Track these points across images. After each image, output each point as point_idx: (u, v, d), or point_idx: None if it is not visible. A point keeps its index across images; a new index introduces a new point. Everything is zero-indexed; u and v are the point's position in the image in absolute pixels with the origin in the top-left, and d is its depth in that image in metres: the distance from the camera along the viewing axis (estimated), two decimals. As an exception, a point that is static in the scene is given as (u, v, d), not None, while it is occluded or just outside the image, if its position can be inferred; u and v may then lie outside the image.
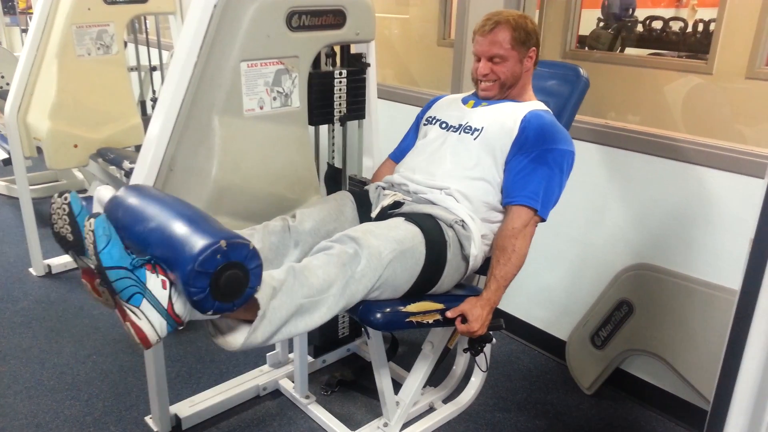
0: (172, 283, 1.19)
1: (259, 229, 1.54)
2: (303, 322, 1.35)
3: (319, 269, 1.37)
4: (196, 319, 1.25)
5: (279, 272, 1.33)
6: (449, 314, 1.57)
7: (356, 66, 1.93)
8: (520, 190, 1.61)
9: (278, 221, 1.58)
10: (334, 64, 1.94)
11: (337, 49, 1.93)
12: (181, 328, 1.23)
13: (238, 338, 1.28)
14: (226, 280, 1.14)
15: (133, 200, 1.29)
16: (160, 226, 1.20)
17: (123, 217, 1.26)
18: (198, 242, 1.12)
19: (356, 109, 1.96)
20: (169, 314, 1.19)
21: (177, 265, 1.14)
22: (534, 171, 1.61)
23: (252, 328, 1.26)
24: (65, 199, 1.25)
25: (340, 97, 1.91)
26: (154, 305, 1.18)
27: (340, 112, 1.92)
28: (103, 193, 1.35)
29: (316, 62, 1.86)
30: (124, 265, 1.17)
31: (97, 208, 1.35)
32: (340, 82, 1.89)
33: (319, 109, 1.85)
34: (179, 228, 1.17)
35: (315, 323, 1.37)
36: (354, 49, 1.94)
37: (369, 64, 1.97)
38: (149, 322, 1.18)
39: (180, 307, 1.20)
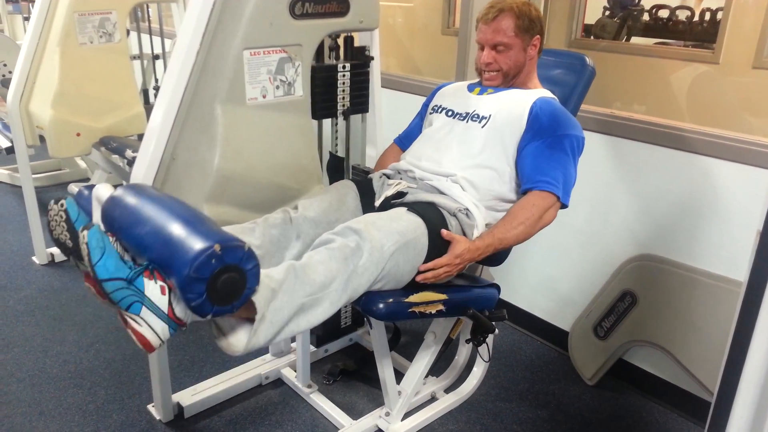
0: (170, 288, 1.18)
1: (260, 223, 1.52)
2: (305, 319, 1.33)
3: (320, 265, 1.35)
4: (199, 320, 1.24)
5: (278, 271, 1.31)
6: (444, 233, 1.52)
7: (360, 59, 1.92)
8: (541, 175, 1.59)
9: (279, 213, 1.56)
10: (337, 57, 1.92)
11: (340, 41, 1.91)
12: (184, 328, 1.22)
13: (240, 340, 1.26)
14: (222, 284, 1.13)
15: (129, 201, 1.27)
16: (154, 230, 1.18)
17: (120, 219, 1.25)
18: (192, 247, 1.10)
19: (359, 102, 1.95)
20: (170, 318, 1.18)
21: (173, 271, 1.13)
22: (551, 156, 1.60)
23: (253, 331, 1.24)
24: (61, 205, 1.24)
25: (343, 90, 1.89)
26: (154, 311, 1.17)
27: (343, 105, 1.91)
28: (102, 191, 1.34)
29: (319, 55, 1.85)
30: (120, 276, 1.15)
31: (95, 206, 1.34)
32: (344, 75, 1.88)
33: (322, 103, 1.84)
34: (174, 232, 1.15)
35: (318, 320, 1.35)
36: (358, 41, 1.92)
37: (373, 57, 1.95)
38: (150, 327, 1.17)
39: (181, 310, 1.19)
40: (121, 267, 1.16)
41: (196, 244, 1.11)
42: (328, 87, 1.86)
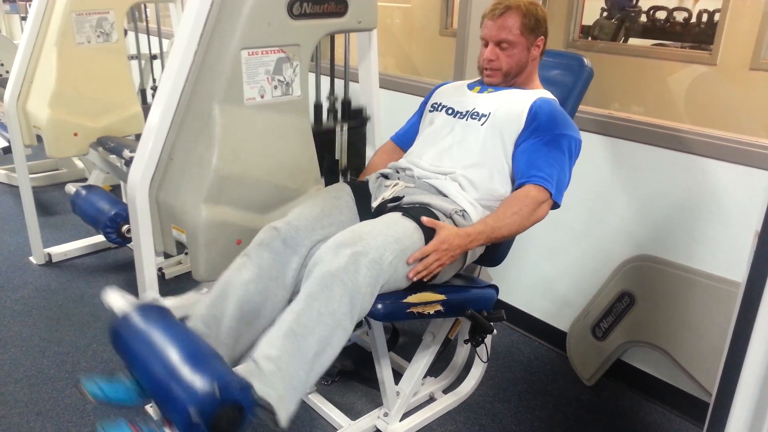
0: None
1: (250, 253, 1.51)
2: (327, 357, 1.35)
3: (316, 302, 1.33)
4: None
5: (276, 344, 1.30)
6: (424, 220, 1.50)
7: (357, 121, 1.98)
8: (535, 170, 1.58)
9: (267, 233, 1.52)
10: (335, 119, 1.97)
11: (338, 105, 1.98)
12: None
13: (281, 418, 1.26)
14: (224, 423, 1.15)
15: (137, 332, 1.31)
16: (152, 378, 1.22)
17: (127, 353, 1.31)
18: (192, 392, 1.14)
19: (358, 158, 2.02)
20: None
21: (175, 423, 1.16)
22: (548, 154, 1.59)
23: (280, 409, 1.25)
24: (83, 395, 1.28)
25: (340, 149, 1.98)
26: None
27: (342, 164, 2.00)
28: (113, 298, 1.38)
29: (318, 118, 1.93)
30: None
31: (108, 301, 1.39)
32: (342, 137, 1.96)
33: (321, 162, 1.88)
34: (170, 385, 1.18)
35: (337, 351, 1.36)
36: (356, 101, 2.00)
37: (369, 118, 2.01)
38: None
39: None
40: None
41: (194, 392, 1.14)
42: (327, 147, 1.93)
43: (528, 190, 1.57)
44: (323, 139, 1.87)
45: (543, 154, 1.60)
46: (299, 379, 1.30)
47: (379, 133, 2.07)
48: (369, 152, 2.09)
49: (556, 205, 1.61)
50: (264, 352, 1.30)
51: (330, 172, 2.02)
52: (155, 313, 1.37)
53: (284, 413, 1.26)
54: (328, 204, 1.62)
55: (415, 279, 1.48)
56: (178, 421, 1.14)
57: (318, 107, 1.98)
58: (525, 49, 1.68)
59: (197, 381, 1.15)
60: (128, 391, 1.31)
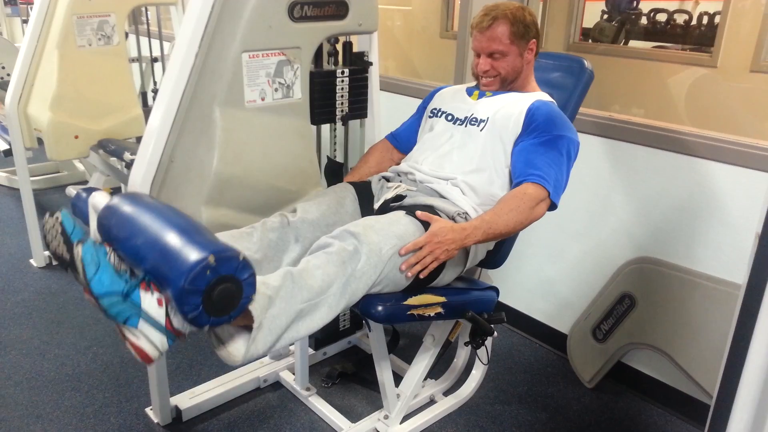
0: (167, 300, 1.18)
1: (258, 227, 1.51)
2: (304, 325, 1.33)
3: (317, 270, 1.34)
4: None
5: (275, 278, 1.30)
6: (418, 213, 1.50)
7: (358, 64, 1.92)
8: (533, 169, 1.57)
9: (277, 217, 1.55)
10: (336, 63, 1.92)
11: (339, 47, 1.91)
12: (184, 339, 1.22)
13: (239, 349, 1.25)
14: (218, 295, 1.12)
15: (125, 211, 1.27)
16: (149, 241, 1.17)
17: (115, 229, 1.25)
18: (186, 259, 1.10)
19: (358, 108, 1.94)
20: (168, 330, 1.18)
21: (168, 283, 1.12)
22: (545, 154, 1.59)
23: (251, 339, 1.23)
24: (56, 218, 1.23)
25: (342, 96, 1.89)
26: (152, 324, 1.16)
27: (342, 111, 1.90)
28: (98, 199, 1.33)
29: (318, 60, 1.85)
30: (116, 290, 1.15)
31: (92, 214, 1.33)
32: (343, 81, 1.87)
33: (321, 108, 1.84)
34: (168, 243, 1.14)
35: (317, 325, 1.35)
36: (356, 46, 1.92)
37: (371, 63, 1.95)
38: (148, 340, 1.17)
39: (178, 321, 1.18)
40: (117, 281, 1.16)
41: (191, 255, 1.10)
42: (326, 93, 1.85)
43: (525, 188, 1.56)
44: (324, 81, 1.84)
45: (540, 153, 1.59)
46: (279, 324, 1.27)
47: (380, 136, 2.07)
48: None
49: (553, 206, 1.60)
50: (262, 279, 1.27)
51: (333, 174, 2.02)
52: (144, 197, 1.33)
53: (252, 346, 1.23)
54: (333, 203, 1.64)
55: (409, 274, 1.47)
56: (173, 288, 1.09)
57: (318, 49, 1.94)
58: (518, 56, 1.68)
59: (194, 248, 1.11)
60: (113, 280, 1.23)
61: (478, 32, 1.67)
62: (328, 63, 1.91)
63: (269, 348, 1.27)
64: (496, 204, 1.58)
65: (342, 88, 1.88)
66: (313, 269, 1.34)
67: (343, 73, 1.87)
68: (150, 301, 1.16)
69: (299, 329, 1.32)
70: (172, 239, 1.15)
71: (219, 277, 1.11)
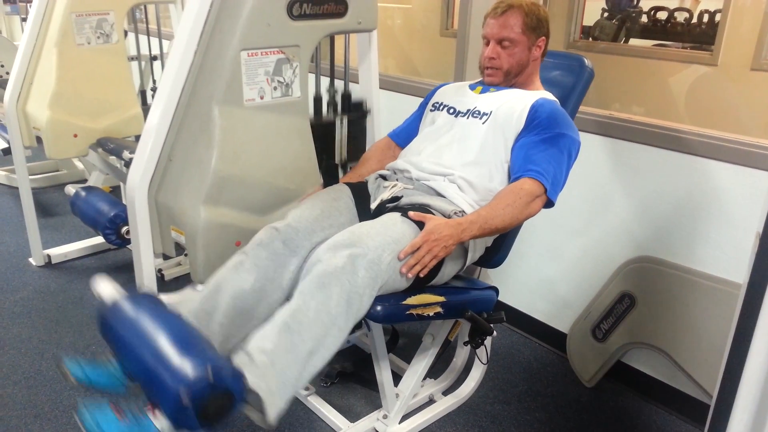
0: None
1: (248, 251, 1.49)
2: (320, 357, 1.33)
3: (312, 301, 1.32)
4: None
5: (270, 337, 1.29)
6: (411, 214, 1.50)
7: (356, 114, 1.97)
8: (532, 165, 1.57)
9: (267, 233, 1.51)
10: (335, 112, 1.96)
11: (338, 98, 1.97)
12: None
13: (269, 414, 1.24)
14: (213, 410, 1.13)
15: (126, 320, 1.29)
16: (141, 363, 1.19)
17: (116, 340, 1.29)
18: (184, 375, 1.11)
19: (357, 153, 2.00)
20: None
21: (161, 408, 1.15)
22: (545, 151, 1.58)
23: (271, 405, 1.23)
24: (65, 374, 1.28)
25: (340, 141, 1.96)
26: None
27: (341, 158, 1.97)
28: (103, 287, 1.39)
29: (318, 111, 1.91)
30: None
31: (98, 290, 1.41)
32: (341, 129, 1.94)
33: (320, 155, 1.86)
34: (158, 369, 1.16)
35: (331, 353, 1.35)
36: (355, 95, 1.99)
37: (369, 111, 1.99)
38: None
39: None
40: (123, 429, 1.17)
41: (185, 377, 1.11)
42: (326, 142, 1.92)
43: (523, 183, 1.55)
44: (323, 131, 1.85)
45: (540, 150, 1.59)
46: (291, 376, 1.28)
47: (380, 135, 2.06)
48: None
49: (550, 203, 1.59)
50: (258, 344, 1.28)
51: (328, 174, 2.01)
52: (146, 300, 1.34)
53: (273, 410, 1.24)
54: (327, 205, 1.61)
55: (409, 275, 1.46)
56: (167, 404, 1.10)
57: (318, 100, 1.97)
58: (526, 49, 1.68)
59: (189, 364, 1.12)
60: (111, 377, 1.29)
61: (491, 18, 1.69)
62: (327, 113, 1.95)
63: (292, 395, 1.29)
64: (493, 199, 1.58)
65: (341, 135, 1.94)
66: (309, 304, 1.32)
67: (342, 121, 1.92)
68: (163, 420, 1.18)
69: (315, 364, 1.33)
70: (161, 363, 1.16)
71: (211, 395, 1.13)
